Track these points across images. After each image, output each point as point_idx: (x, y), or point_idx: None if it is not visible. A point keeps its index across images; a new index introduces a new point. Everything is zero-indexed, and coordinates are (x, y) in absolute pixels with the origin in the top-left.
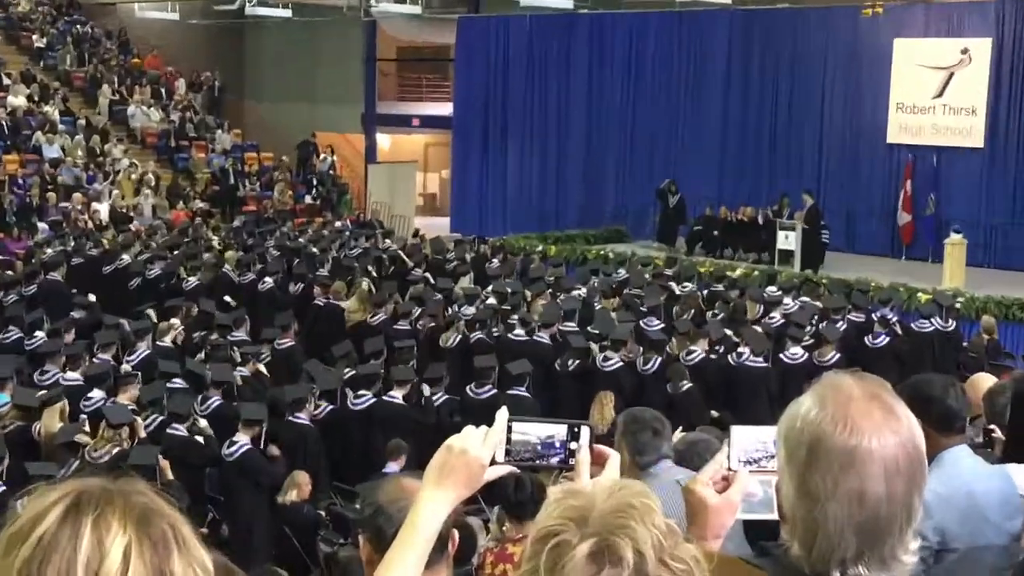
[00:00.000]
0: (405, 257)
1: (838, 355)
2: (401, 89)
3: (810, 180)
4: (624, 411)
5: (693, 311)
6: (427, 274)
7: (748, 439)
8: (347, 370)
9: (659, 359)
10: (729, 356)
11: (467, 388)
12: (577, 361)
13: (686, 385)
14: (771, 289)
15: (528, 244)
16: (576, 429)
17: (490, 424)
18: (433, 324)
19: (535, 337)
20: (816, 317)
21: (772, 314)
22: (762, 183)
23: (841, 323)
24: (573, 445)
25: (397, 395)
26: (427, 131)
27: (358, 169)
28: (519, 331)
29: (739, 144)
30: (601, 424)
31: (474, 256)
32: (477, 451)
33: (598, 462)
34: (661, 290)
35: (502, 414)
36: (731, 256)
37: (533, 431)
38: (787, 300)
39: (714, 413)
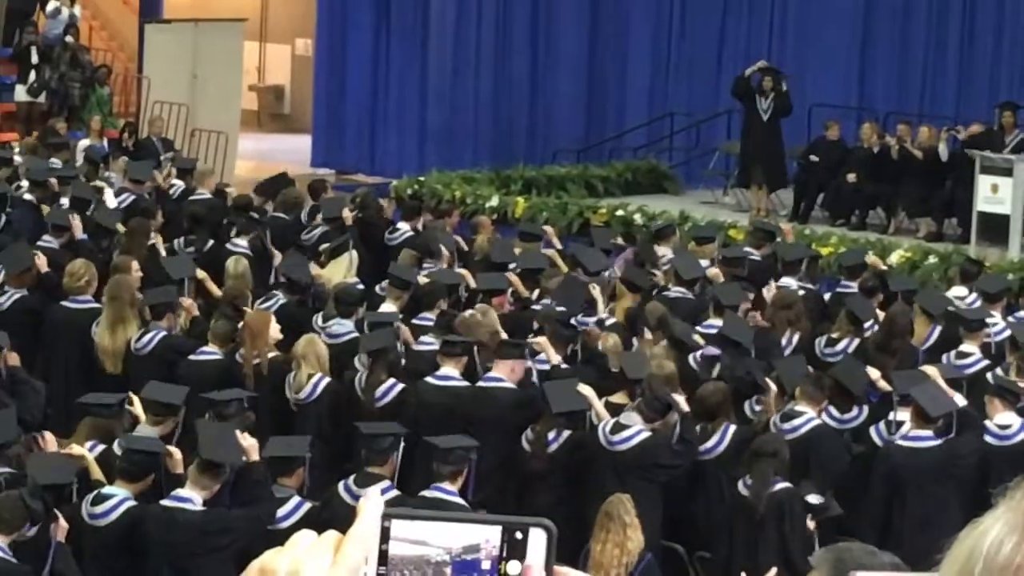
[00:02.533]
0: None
1: None
2: None
3: None
4: (821, 550)
5: (799, 334)
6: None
7: None
8: None
9: (728, 427)
10: (878, 428)
11: (340, 486)
12: (566, 433)
13: (780, 485)
14: (957, 292)
15: (471, 193)
16: (520, 534)
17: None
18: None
19: (486, 383)
20: None
21: (966, 346)
22: (947, 80)
23: None
24: (513, 569)
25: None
26: None
27: (127, 33)
28: (449, 372)
29: (900, 8)
30: (612, 557)
31: (360, 217)
32: None
33: None
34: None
35: (372, 504)
36: (883, 224)
37: (436, 539)
38: (993, 317)
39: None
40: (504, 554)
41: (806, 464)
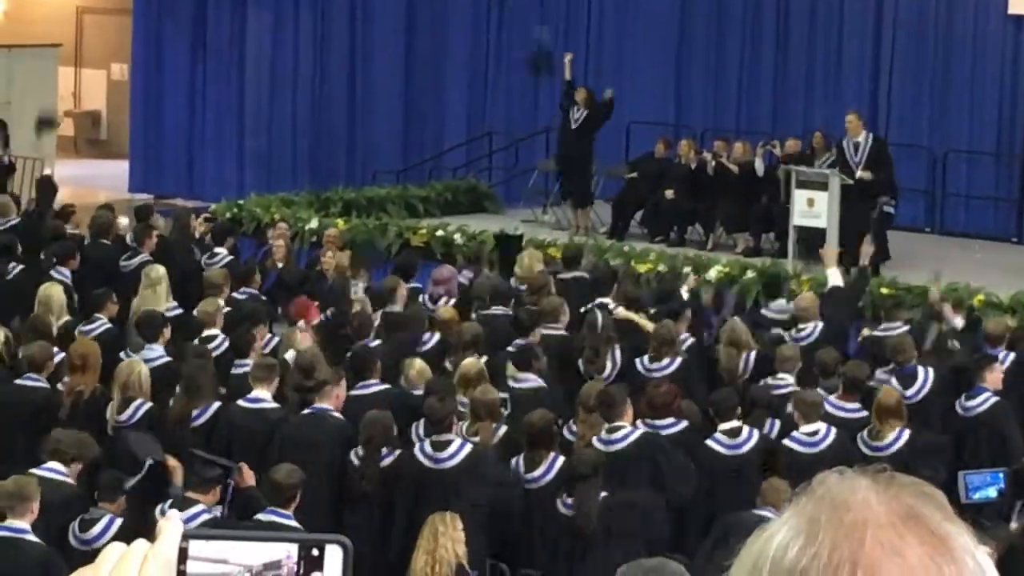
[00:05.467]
0: None
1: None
2: None
3: (860, 95)
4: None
5: (598, 351)
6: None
7: None
8: None
9: (556, 458)
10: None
11: (157, 510)
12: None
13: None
14: (777, 305)
15: (290, 216)
16: (317, 551)
17: None
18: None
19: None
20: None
21: (782, 374)
22: (762, 98)
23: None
24: None
25: None
26: None
27: None
28: (260, 394)
29: (715, 28)
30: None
31: (176, 241)
32: None
33: None
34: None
35: (171, 526)
36: (702, 239)
37: (236, 557)
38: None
39: None
40: (301, 571)
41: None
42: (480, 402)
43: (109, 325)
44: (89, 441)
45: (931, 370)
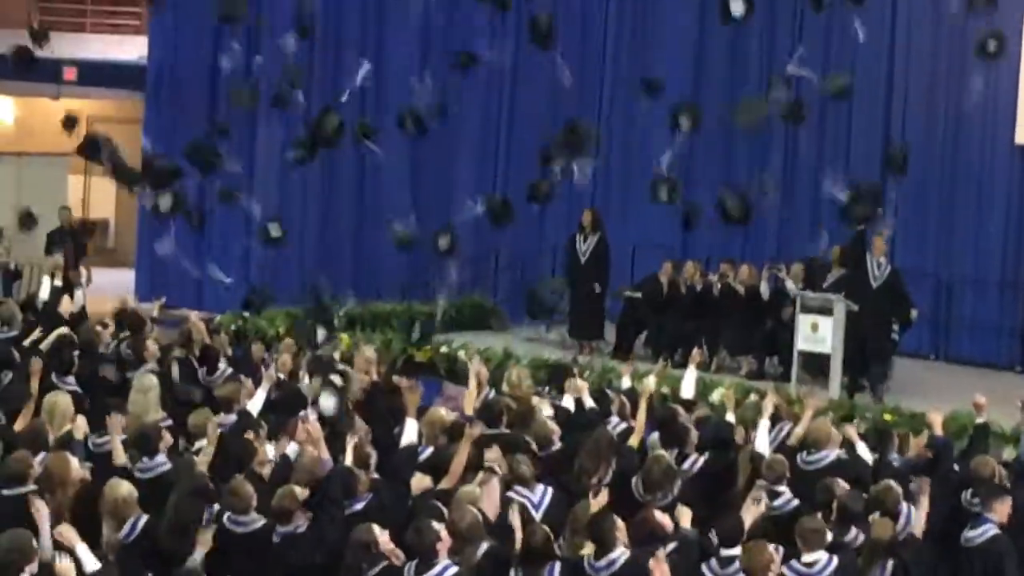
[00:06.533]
0: None
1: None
2: (41, 12)
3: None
4: None
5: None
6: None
7: None
8: None
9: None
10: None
11: None
12: None
13: None
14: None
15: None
16: None
17: None
18: None
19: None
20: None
21: (781, 489)
22: (768, 223)
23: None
24: None
25: None
26: (92, 92)
27: None
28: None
29: (722, 154)
30: None
31: (180, 359)
32: None
33: None
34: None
35: None
36: (706, 361)
37: None
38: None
39: None
40: None
41: None
42: (459, 526)
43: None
44: None
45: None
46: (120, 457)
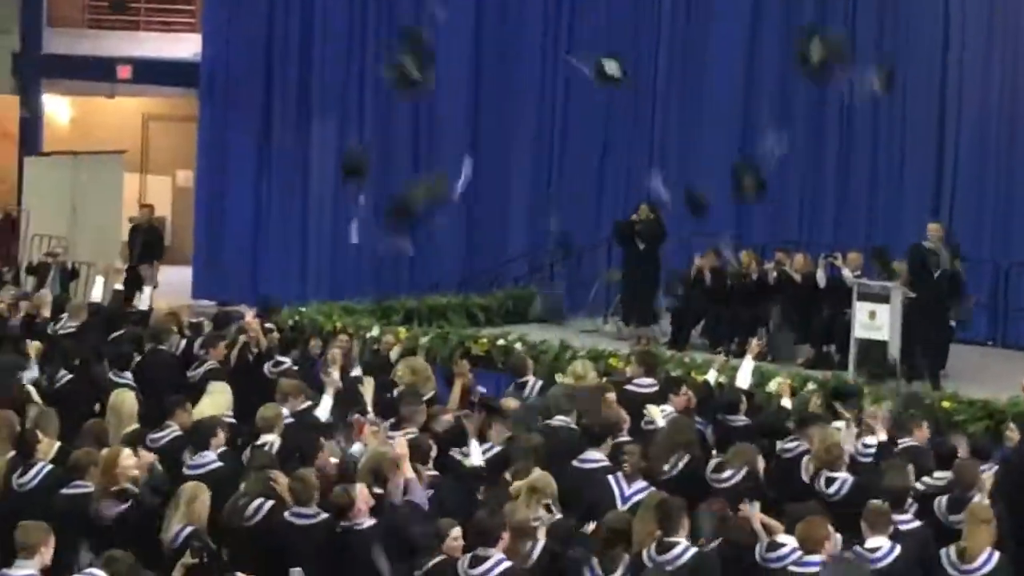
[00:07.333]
0: None
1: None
2: (94, 11)
3: (921, 207)
4: None
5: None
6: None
7: None
8: None
9: None
10: None
11: None
12: None
13: None
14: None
15: (352, 324)
16: None
17: None
18: None
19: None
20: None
21: (835, 474)
22: (825, 209)
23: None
24: None
25: None
26: (147, 90)
27: (7, 166)
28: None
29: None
30: None
31: (240, 348)
32: None
33: None
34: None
35: None
36: (765, 351)
37: None
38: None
39: None
40: None
41: None
42: (514, 522)
43: (179, 434)
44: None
45: None
46: None
